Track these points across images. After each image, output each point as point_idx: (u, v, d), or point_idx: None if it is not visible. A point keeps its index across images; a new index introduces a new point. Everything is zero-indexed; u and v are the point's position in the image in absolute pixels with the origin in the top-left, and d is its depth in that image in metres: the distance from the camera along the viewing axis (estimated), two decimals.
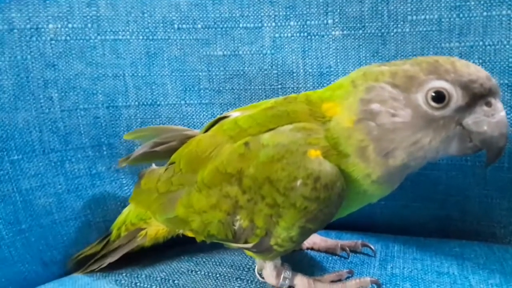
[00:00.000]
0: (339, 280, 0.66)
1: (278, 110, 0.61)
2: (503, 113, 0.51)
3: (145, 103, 0.85)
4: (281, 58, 0.84)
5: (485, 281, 0.65)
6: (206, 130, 0.68)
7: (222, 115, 0.69)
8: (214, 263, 0.74)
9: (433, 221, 0.85)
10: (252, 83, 0.86)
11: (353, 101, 0.55)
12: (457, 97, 0.51)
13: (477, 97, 0.51)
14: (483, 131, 0.51)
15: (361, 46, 0.81)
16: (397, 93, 0.52)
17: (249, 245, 0.60)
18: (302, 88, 0.85)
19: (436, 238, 0.82)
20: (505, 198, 0.79)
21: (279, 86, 0.85)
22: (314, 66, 0.84)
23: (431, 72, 0.51)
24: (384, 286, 0.65)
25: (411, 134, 0.52)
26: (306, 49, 0.83)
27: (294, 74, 0.84)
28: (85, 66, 0.81)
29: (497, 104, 0.51)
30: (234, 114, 0.67)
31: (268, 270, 0.65)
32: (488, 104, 0.51)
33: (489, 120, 0.51)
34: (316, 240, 0.77)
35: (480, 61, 0.74)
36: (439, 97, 0.51)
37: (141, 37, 0.84)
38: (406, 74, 0.52)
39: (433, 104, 0.51)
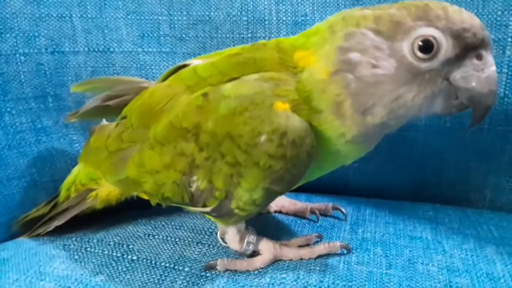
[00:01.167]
0: (307, 245, 0.62)
1: (244, 57, 0.54)
2: (493, 68, 0.46)
3: (96, 49, 0.75)
4: (252, 3, 0.75)
5: (459, 246, 0.62)
6: (164, 80, 0.60)
7: (182, 63, 0.61)
8: (173, 227, 0.69)
9: (407, 184, 0.81)
10: (219, 31, 0.77)
11: (330, 49, 0.48)
12: (447, 47, 0.45)
13: (468, 48, 0.45)
14: (471, 88, 0.45)
15: None
16: (380, 41, 0.46)
17: (207, 209, 0.54)
18: (275, 38, 0.76)
19: (409, 201, 0.78)
20: (482, 162, 0.75)
21: (249, 35, 0.77)
22: (288, 14, 0.75)
23: (420, 17, 0.45)
24: (354, 250, 0.61)
25: (393, 88, 0.46)
26: None
27: (266, 22, 0.76)
28: (24, 4, 0.70)
29: (488, 57, 0.46)
30: (196, 62, 0.59)
31: (230, 234, 0.59)
32: (479, 57, 0.45)
33: (478, 75, 0.45)
34: (284, 203, 0.72)
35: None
36: (427, 46, 0.45)
37: None
38: (391, 19, 0.46)
39: (419, 54, 0.45)
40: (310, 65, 0.49)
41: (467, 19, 0.45)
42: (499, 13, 0.67)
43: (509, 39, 0.67)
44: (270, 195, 0.51)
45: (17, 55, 0.71)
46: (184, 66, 0.59)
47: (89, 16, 0.74)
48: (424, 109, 0.48)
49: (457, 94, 0.47)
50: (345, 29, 0.48)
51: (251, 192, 0.50)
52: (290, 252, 0.59)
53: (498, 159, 0.74)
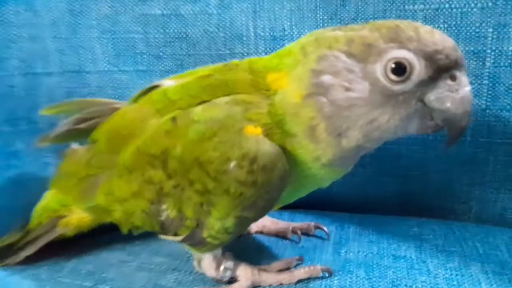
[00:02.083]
0: (288, 269, 0.60)
1: (215, 79, 0.52)
2: (468, 88, 0.45)
3: (70, 69, 0.73)
4: (228, 19, 0.74)
5: (443, 265, 0.60)
6: (135, 101, 0.58)
7: (154, 84, 0.59)
8: (149, 253, 0.66)
9: (392, 197, 0.80)
10: (196, 47, 0.75)
11: (303, 71, 0.47)
12: (420, 69, 0.44)
13: (441, 69, 0.44)
14: (446, 109, 0.44)
15: (318, 7, 0.72)
16: (352, 63, 0.45)
17: (179, 238, 0.52)
18: (253, 53, 0.75)
19: (394, 216, 0.77)
20: (466, 173, 0.74)
21: (227, 51, 0.75)
22: (266, 29, 0.74)
23: (392, 39, 0.44)
24: (336, 273, 0.59)
25: (367, 111, 0.45)
26: (257, 9, 0.73)
27: (244, 38, 0.75)
28: None
29: (462, 77, 0.45)
30: (168, 82, 0.57)
31: (206, 261, 0.57)
32: (453, 78, 0.44)
33: (453, 95, 0.44)
34: (266, 222, 0.70)
35: (446, 25, 0.67)
36: (400, 68, 0.44)
37: None
38: (363, 41, 0.45)
39: (392, 77, 0.44)
40: (283, 87, 0.48)
41: (439, 40, 0.44)
42: (477, 24, 0.66)
43: (488, 51, 0.66)
44: (243, 223, 0.49)
45: None
46: (156, 86, 0.58)
47: (62, 36, 0.72)
48: (399, 131, 0.47)
49: (432, 115, 0.46)
50: (318, 51, 0.47)
51: (222, 221, 0.48)
52: (269, 278, 0.57)
53: (482, 171, 0.73)
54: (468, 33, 0.67)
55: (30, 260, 0.65)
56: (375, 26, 0.46)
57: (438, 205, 0.78)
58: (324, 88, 0.45)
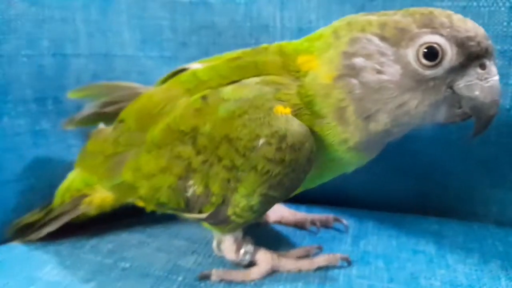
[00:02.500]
0: (307, 256, 0.60)
1: (245, 60, 0.53)
2: (496, 78, 0.45)
3: (97, 52, 0.75)
4: (256, 9, 0.75)
5: (462, 260, 0.60)
6: (162, 84, 0.59)
7: (181, 67, 0.60)
8: (168, 235, 0.67)
9: (411, 197, 0.79)
10: (222, 36, 0.76)
11: (334, 54, 0.47)
12: (451, 55, 0.44)
13: (472, 57, 0.45)
14: (475, 96, 0.45)
15: (345, 0, 0.72)
16: (385, 46, 0.45)
17: (203, 215, 0.52)
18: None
19: (413, 214, 0.76)
20: (488, 175, 0.73)
21: (253, 41, 0.76)
22: (293, 20, 0.75)
23: (425, 24, 0.45)
24: (355, 263, 0.59)
25: (397, 95, 0.45)
26: (285, 0, 0.74)
27: (270, 28, 0.75)
28: (28, 6, 0.70)
29: (492, 67, 0.45)
30: (195, 66, 0.58)
31: (227, 243, 0.58)
32: (483, 67, 0.45)
33: (482, 84, 0.45)
34: (284, 213, 0.70)
35: None
36: (432, 53, 0.44)
37: None
38: (396, 25, 0.45)
39: (424, 61, 0.44)
40: (313, 69, 0.49)
41: (472, 28, 0.45)
42: (505, 24, 0.66)
43: None
44: (268, 201, 0.50)
45: (20, 57, 0.70)
46: (183, 70, 0.59)
47: (92, 19, 0.74)
48: (427, 117, 0.47)
49: (460, 103, 0.46)
50: (350, 34, 0.47)
51: (248, 198, 0.48)
52: (288, 263, 0.57)
53: (503, 173, 0.72)
54: (495, 32, 0.67)
55: (52, 237, 0.66)
56: (408, 12, 0.46)
57: (458, 206, 0.77)
58: (355, 70, 0.46)
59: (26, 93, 0.71)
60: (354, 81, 0.46)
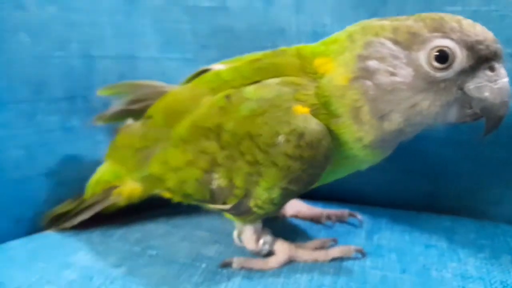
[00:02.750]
0: (322, 248, 0.63)
1: (265, 62, 0.56)
2: (506, 79, 0.47)
3: (123, 54, 0.79)
4: (272, 13, 0.78)
5: (474, 255, 0.62)
6: (187, 83, 0.63)
7: (204, 68, 0.63)
8: (191, 226, 0.71)
9: (423, 196, 0.81)
10: (240, 40, 0.79)
11: (350, 57, 0.50)
12: (461, 58, 0.47)
13: (481, 60, 0.47)
14: (485, 98, 0.47)
15: (359, 5, 0.75)
16: (398, 50, 0.48)
17: (227, 206, 0.56)
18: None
19: (426, 212, 0.78)
20: (499, 175, 0.74)
21: (269, 44, 0.79)
22: (308, 24, 0.77)
23: (436, 29, 0.47)
24: (369, 255, 0.62)
25: (410, 96, 0.48)
26: (300, 4, 0.77)
27: (286, 32, 0.78)
28: (58, 10, 0.74)
29: (501, 69, 0.47)
30: (218, 66, 0.62)
31: (247, 234, 0.61)
32: (492, 69, 0.47)
33: (491, 86, 0.47)
34: (301, 208, 0.73)
35: (484, 28, 0.69)
36: (443, 56, 0.46)
37: None
38: (409, 30, 0.48)
39: (435, 64, 0.47)
40: (330, 71, 0.51)
41: (481, 32, 0.47)
42: None
43: None
44: (288, 195, 0.53)
45: (51, 58, 0.74)
46: (206, 70, 0.62)
47: (118, 22, 0.78)
48: (439, 117, 0.49)
49: (471, 104, 0.48)
50: (364, 38, 0.50)
51: (269, 191, 0.52)
52: (304, 254, 0.60)
53: None
54: (506, 36, 0.68)
55: (83, 226, 0.70)
56: (420, 17, 0.49)
57: (470, 206, 0.78)
58: (370, 73, 0.48)
59: (57, 92, 0.76)
60: (368, 82, 0.48)
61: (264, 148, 0.49)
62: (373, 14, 0.74)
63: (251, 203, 0.53)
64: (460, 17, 0.48)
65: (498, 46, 0.47)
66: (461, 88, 0.48)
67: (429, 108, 0.48)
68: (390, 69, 0.48)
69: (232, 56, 0.80)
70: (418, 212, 0.78)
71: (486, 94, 0.47)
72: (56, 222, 0.72)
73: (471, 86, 0.47)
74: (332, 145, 0.50)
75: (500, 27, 0.68)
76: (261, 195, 0.52)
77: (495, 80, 0.47)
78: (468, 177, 0.77)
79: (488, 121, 0.49)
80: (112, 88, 0.71)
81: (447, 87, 0.47)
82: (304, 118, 0.49)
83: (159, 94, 0.66)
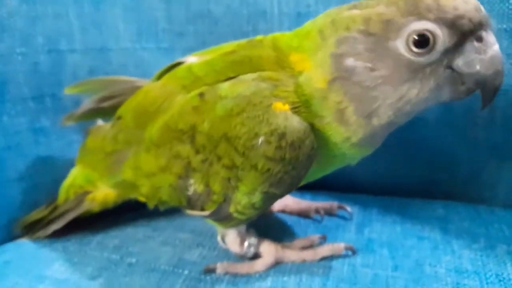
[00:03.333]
0: (311, 246, 0.60)
1: (240, 55, 0.52)
2: (496, 47, 0.43)
3: (93, 47, 0.73)
4: None
5: (468, 246, 0.60)
6: (159, 78, 0.58)
7: (177, 61, 0.59)
8: (173, 229, 0.67)
9: (417, 182, 0.78)
10: (219, 25, 0.74)
11: (324, 56, 0.46)
12: (443, 38, 0.43)
13: (466, 34, 0.43)
14: (476, 71, 0.43)
15: None
16: (373, 42, 0.44)
17: (205, 213, 0.53)
18: (277, 30, 0.73)
19: (419, 199, 0.76)
20: (495, 158, 0.72)
21: (250, 28, 0.74)
22: (291, 5, 0.73)
23: (410, 12, 0.43)
24: (359, 252, 0.59)
25: (395, 88, 0.44)
26: None
27: (267, 14, 0.73)
28: (19, 3, 0.68)
29: (489, 37, 0.43)
30: (191, 59, 0.57)
31: (231, 237, 0.58)
32: (479, 39, 0.43)
33: (481, 57, 0.43)
34: (288, 202, 0.70)
35: (478, 1, 0.64)
36: (423, 41, 0.42)
37: None
38: (381, 18, 0.43)
39: (416, 50, 0.43)
40: (307, 70, 0.48)
41: (460, 4, 0.42)
42: (511, 1, 0.63)
43: None
44: (270, 199, 0.49)
45: (15, 55, 0.69)
46: (179, 64, 0.58)
47: (85, 13, 0.72)
48: (431, 101, 0.46)
49: (463, 80, 0.45)
50: (336, 34, 0.46)
51: (249, 196, 0.48)
52: (292, 255, 0.58)
53: (511, 155, 0.71)
54: (501, 10, 0.64)
55: (59, 234, 0.67)
56: (391, 0, 0.44)
57: (465, 190, 0.76)
58: (348, 72, 0.45)
59: (23, 91, 0.70)
60: (348, 82, 0.45)
61: (242, 151, 0.46)
62: None
63: (231, 208, 0.50)
64: None
65: (482, 15, 0.43)
66: (449, 67, 0.44)
67: (418, 95, 0.44)
68: (369, 64, 0.44)
69: (211, 43, 0.75)
70: (411, 199, 0.76)
71: (478, 67, 0.43)
72: (31, 229, 0.68)
73: (460, 62, 0.44)
74: (316, 144, 0.46)
75: (494, 1, 0.64)
76: (241, 200, 0.49)
77: (485, 50, 0.43)
78: (463, 161, 0.75)
79: (484, 93, 0.45)
80: (81, 85, 0.67)
81: (433, 70, 0.44)
82: (285, 116, 0.45)
83: (132, 90, 0.62)
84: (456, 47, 0.43)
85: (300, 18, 0.72)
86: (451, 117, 0.71)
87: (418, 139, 0.74)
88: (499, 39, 0.64)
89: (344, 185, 0.79)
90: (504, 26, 0.65)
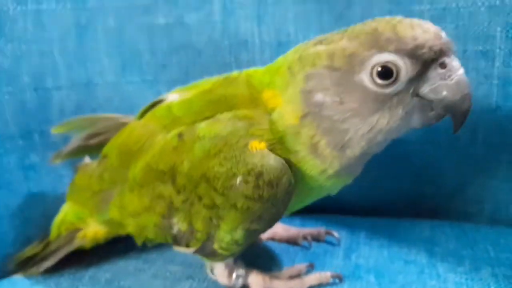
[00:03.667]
0: (298, 275, 0.60)
1: (216, 94, 0.53)
2: (460, 71, 0.44)
3: (78, 82, 0.74)
4: (233, 26, 0.74)
5: (453, 269, 0.60)
6: (142, 116, 0.60)
7: (159, 98, 0.60)
8: (164, 261, 0.68)
9: (403, 200, 0.79)
10: (202, 56, 0.76)
11: (294, 93, 0.47)
12: (406, 68, 0.43)
13: (428, 62, 0.44)
14: (443, 97, 0.44)
15: (323, 10, 0.71)
16: (339, 76, 0.45)
17: (191, 250, 0.53)
18: (258, 60, 0.75)
19: (406, 218, 0.76)
20: (479, 174, 0.73)
21: (232, 59, 0.76)
22: (271, 34, 0.74)
23: (372, 45, 0.44)
24: (346, 279, 0.60)
25: (364, 120, 0.45)
26: (262, 14, 0.73)
27: (249, 44, 0.75)
28: (4, 43, 0.70)
29: (453, 62, 0.44)
30: (172, 97, 0.58)
31: (219, 269, 0.59)
32: (443, 66, 0.44)
33: (447, 83, 0.44)
34: (277, 230, 0.71)
35: (453, 25, 0.66)
36: (386, 72, 0.43)
37: (69, 6, 0.72)
38: (344, 53, 0.45)
39: (380, 82, 0.44)
40: (279, 107, 0.49)
41: (419, 34, 0.43)
42: (486, 24, 0.64)
43: (497, 50, 0.65)
44: (252, 235, 0.50)
45: (1, 94, 0.70)
46: (160, 101, 0.59)
47: (70, 50, 0.73)
48: (402, 129, 0.47)
49: (431, 106, 0.45)
50: (303, 70, 0.47)
51: (232, 233, 0.49)
52: (280, 285, 0.58)
53: (494, 171, 0.72)
54: (476, 33, 0.66)
55: (51, 269, 0.67)
56: (354, 33, 0.45)
57: (451, 206, 0.76)
58: (318, 107, 0.46)
59: (11, 130, 0.72)
60: (319, 117, 0.46)
61: (221, 191, 0.47)
62: (338, 19, 0.71)
63: (215, 245, 0.51)
64: (395, 21, 0.45)
65: (442, 42, 0.44)
66: (416, 94, 0.45)
67: (388, 124, 0.45)
68: (337, 98, 0.45)
69: (194, 74, 0.77)
70: (398, 219, 0.76)
71: (444, 93, 0.44)
72: (24, 265, 0.69)
73: (426, 90, 0.45)
74: (293, 180, 0.47)
75: (470, 24, 0.66)
76: (224, 238, 0.50)
77: (449, 76, 0.44)
78: (448, 178, 0.75)
79: (454, 118, 0.46)
80: (68, 124, 0.68)
81: (400, 100, 0.45)
82: (261, 155, 0.46)
83: (117, 126, 0.63)
84: (420, 75, 0.44)
85: (280, 47, 0.74)
86: (434, 134, 0.72)
87: (402, 156, 0.75)
88: (475, 61, 0.67)
89: (331, 206, 0.80)
90: (480, 48, 0.66)
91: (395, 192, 0.79)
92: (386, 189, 0.79)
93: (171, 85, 0.75)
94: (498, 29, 0.64)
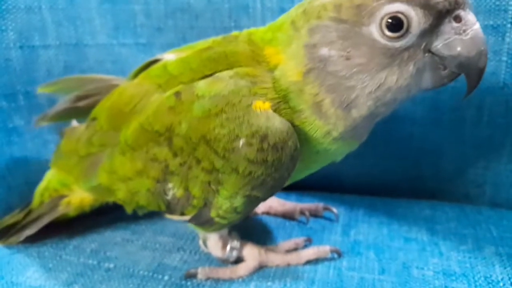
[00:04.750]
0: (295, 249, 0.58)
1: (215, 52, 0.49)
2: (476, 26, 0.41)
3: (68, 42, 0.70)
4: None
5: (456, 247, 0.59)
6: (135, 77, 0.56)
7: (154, 58, 0.56)
8: (153, 232, 0.65)
9: (404, 180, 0.77)
10: (199, 20, 0.72)
11: (297, 48, 0.44)
12: (418, 19, 0.40)
13: (442, 14, 0.40)
14: (458, 54, 0.41)
15: None
16: (346, 29, 0.42)
17: (186, 218, 0.50)
18: (260, 26, 0.71)
19: (405, 198, 0.75)
20: (481, 156, 0.71)
21: (232, 24, 0.72)
22: (274, 0, 0.70)
23: None
24: (345, 255, 0.58)
25: (372, 76, 0.42)
26: None
27: (250, 9, 0.71)
28: None
29: (468, 16, 0.41)
30: (168, 56, 0.55)
31: (212, 241, 0.56)
32: (458, 19, 0.41)
33: (462, 38, 0.41)
34: (272, 203, 0.69)
35: None
36: (397, 24, 0.40)
37: None
38: (352, 3, 0.41)
39: (390, 34, 0.41)
40: (281, 64, 0.46)
41: None
42: None
43: (509, 25, 0.62)
44: (252, 202, 0.47)
45: None
46: (156, 61, 0.55)
47: (59, 7, 0.69)
48: (413, 88, 0.44)
49: (444, 64, 0.42)
50: (308, 24, 0.44)
51: (231, 200, 0.46)
52: (276, 258, 0.56)
53: (497, 153, 0.70)
54: (488, 6, 0.63)
55: (34, 239, 0.64)
56: None
57: (451, 188, 0.75)
58: (322, 62, 0.43)
59: None
60: (323, 73, 0.43)
61: (222, 154, 0.43)
62: None
63: (212, 213, 0.48)
64: None
65: None
66: (428, 50, 0.42)
67: (397, 82, 0.42)
68: (343, 53, 0.42)
69: (191, 38, 0.73)
70: (397, 199, 0.75)
71: (458, 49, 0.41)
72: (4, 234, 0.65)
73: (439, 45, 0.42)
74: (299, 144, 0.44)
75: None
76: (223, 205, 0.47)
77: (465, 31, 0.41)
78: (450, 159, 0.74)
79: (469, 77, 0.43)
80: (56, 84, 0.63)
81: (412, 55, 0.42)
82: (267, 117, 0.43)
83: (108, 88, 0.59)
84: (433, 29, 0.41)
85: (283, 13, 0.70)
86: (438, 114, 0.70)
87: (404, 136, 0.73)
88: (486, 36, 0.64)
89: (330, 184, 0.78)
90: (491, 22, 0.63)
91: (394, 172, 0.77)
92: (386, 168, 0.77)
93: (166, 50, 0.71)
94: (511, 3, 0.61)
